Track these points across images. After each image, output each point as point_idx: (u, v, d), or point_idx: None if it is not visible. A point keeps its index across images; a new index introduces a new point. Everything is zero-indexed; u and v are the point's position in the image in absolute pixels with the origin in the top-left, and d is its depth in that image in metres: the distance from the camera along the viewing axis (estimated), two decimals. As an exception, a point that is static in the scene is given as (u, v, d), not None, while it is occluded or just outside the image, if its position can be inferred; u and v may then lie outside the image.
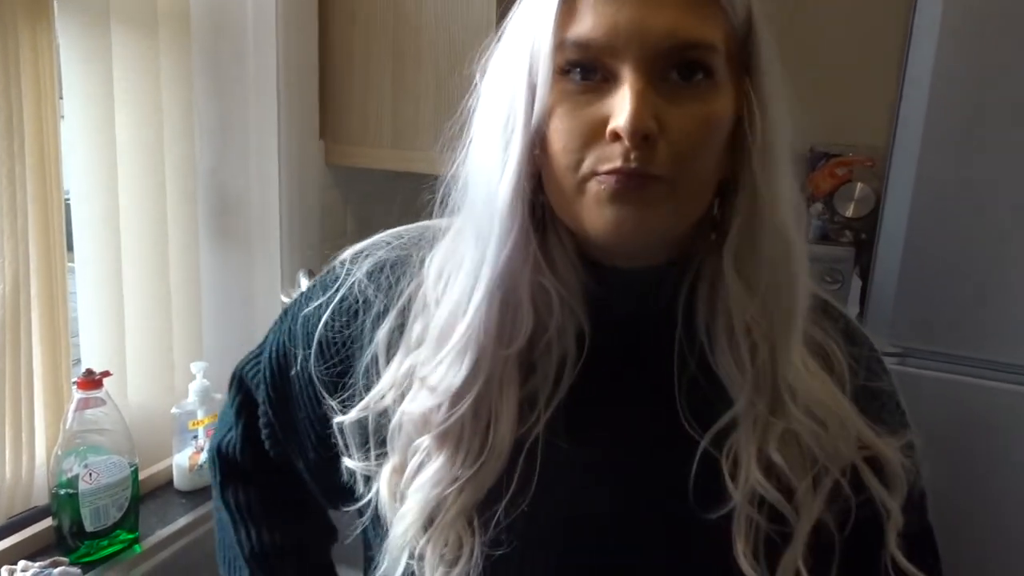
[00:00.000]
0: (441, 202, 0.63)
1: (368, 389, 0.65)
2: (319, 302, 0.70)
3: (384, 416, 0.64)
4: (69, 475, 1.11)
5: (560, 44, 0.53)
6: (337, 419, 0.67)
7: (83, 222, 1.31)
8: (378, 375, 0.65)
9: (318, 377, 0.69)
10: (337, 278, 0.70)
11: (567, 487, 0.61)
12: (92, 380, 1.13)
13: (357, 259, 0.70)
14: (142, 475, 1.27)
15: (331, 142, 1.62)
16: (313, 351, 0.69)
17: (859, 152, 2.26)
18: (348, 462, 0.67)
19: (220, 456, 0.83)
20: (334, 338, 0.68)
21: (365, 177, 1.64)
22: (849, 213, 2.22)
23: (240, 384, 0.80)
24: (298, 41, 1.51)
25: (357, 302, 0.68)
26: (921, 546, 0.66)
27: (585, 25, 0.53)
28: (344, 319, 0.68)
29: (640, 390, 0.63)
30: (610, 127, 0.52)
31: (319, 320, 0.69)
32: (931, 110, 1.84)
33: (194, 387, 1.34)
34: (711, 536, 0.59)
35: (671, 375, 0.61)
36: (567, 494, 0.61)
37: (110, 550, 1.15)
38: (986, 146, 1.82)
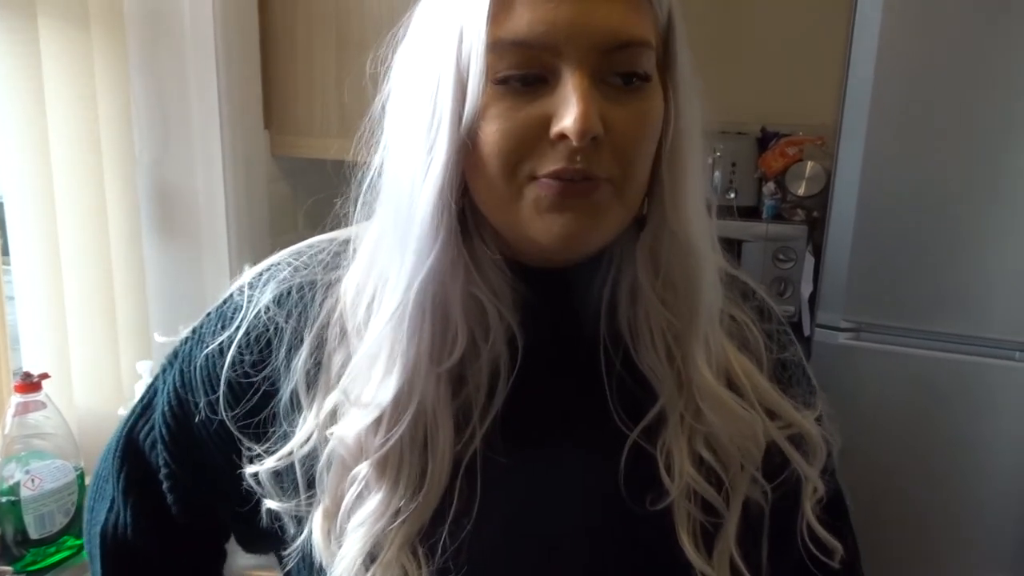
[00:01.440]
0: (356, 205, 0.59)
1: (291, 428, 0.60)
2: (220, 340, 0.63)
3: (312, 456, 0.59)
4: (10, 482, 1.08)
5: (493, 42, 0.50)
6: (253, 468, 0.61)
7: (18, 223, 1.27)
8: (299, 412, 0.60)
9: (232, 423, 0.62)
10: (238, 308, 0.63)
11: (510, 501, 0.59)
12: (30, 383, 1.09)
13: (257, 284, 0.64)
14: (89, 478, 1.23)
15: (277, 133, 1.59)
16: (221, 395, 0.62)
17: (809, 131, 2.29)
18: (272, 504, 0.61)
19: (106, 544, 0.70)
20: (246, 378, 0.62)
21: (314, 167, 1.61)
22: (801, 191, 2.25)
23: (126, 451, 0.70)
24: (238, 30, 1.48)
25: (267, 332, 0.62)
26: (834, 508, 0.68)
27: (521, 22, 0.50)
28: (255, 355, 0.62)
29: (572, 392, 0.61)
30: (556, 128, 0.50)
31: (223, 359, 0.62)
32: (876, 88, 1.87)
33: (141, 387, 1.31)
34: (654, 528, 0.59)
35: (600, 374, 0.60)
36: (511, 508, 0.59)
37: (57, 557, 1.12)
38: (931, 122, 1.85)
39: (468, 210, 0.57)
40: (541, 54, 0.50)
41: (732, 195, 2.28)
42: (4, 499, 1.07)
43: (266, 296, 0.63)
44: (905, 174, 1.90)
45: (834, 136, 2.02)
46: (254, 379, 0.62)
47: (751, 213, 2.27)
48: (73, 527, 1.13)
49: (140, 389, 1.30)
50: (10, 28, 1.20)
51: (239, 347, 0.62)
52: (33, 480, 1.07)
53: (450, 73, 0.51)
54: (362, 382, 0.58)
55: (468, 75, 0.51)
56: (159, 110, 1.47)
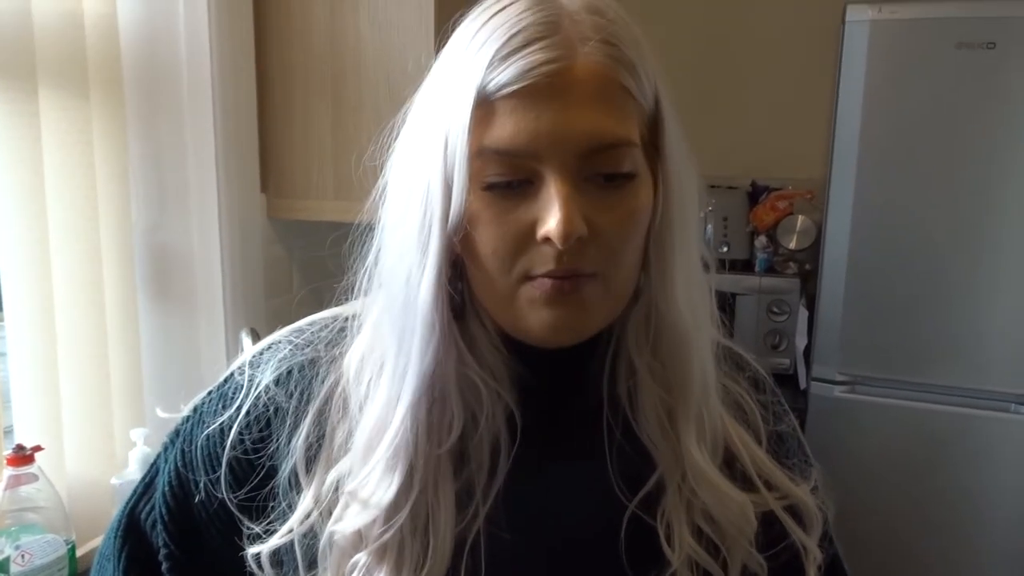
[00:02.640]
0: (357, 283, 0.61)
1: (291, 507, 0.60)
2: (222, 420, 0.64)
3: (312, 535, 0.60)
4: (0, 558, 1.05)
5: (479, 151, 0.52)
6: (254, 548, 0.61)
7: (14, 288, 1.26)
8: (299, 491, 0.60)
9: (232, 503, 0.62)
10: (239, 387, 0.64)
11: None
12: (23, 456, 1.08)
13: (259, 363, 0.65)
14: (81, 550, 1.21)
15: (273, 196, 1.60)
16: (223, 475, 0.63)
17: (799, 185, 2.32)
18: None
19: None
20: (247, 457, 0.62)
21: (309, 230, 1.62)
22: (792, 245, 2.27)
23: (128, 531, 0.69)
24: (235, 95, 1.50)
25: (268, 411, 0.63)
26: (832, 573, 0.69)
27: (505, 132, 0.52)
28: (256, 435, 0.62)
29: (573, 466, 0.62)
30: (541, 232, 0.52)
31: (225, 440, 0.63)
32: (863, 142, 1.90)
33: (135, 455, 1.29)
34: None
35: (601, 446, 0.61)
36: None
37: (46, 635, 1.09)
38: (918, 175, 1.88)
39: (466, 293, 0.58)
40: (525, 161, 0.52)
41: (725, 248, 2.30)
42: (-6, 576, 1.05)
43: (267, 376, 0.64)
44: (895, 227, 1.92)
45: (823, 190, 2.05)
46: (255, 459, 0.62)
47: (744, 266, 2.29)
48: (64, 602, 1.10)
49: (134, 457, 1.29)
50: (10, 98, 1.21)
51: (240, 428, 0.63)
52: (23, 556, 1.05)
53: (438, 178, 0.53)
54: (364, 477, 0.58)
55: (454, 182, 0.53)
56: (156, 174, 1.48)
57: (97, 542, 1.32)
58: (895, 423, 1.97)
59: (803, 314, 2.16)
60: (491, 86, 0.51)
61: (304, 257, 1.70)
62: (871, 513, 1.99)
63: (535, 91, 0.51)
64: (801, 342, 2.15)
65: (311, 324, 0.67)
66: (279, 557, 0.61)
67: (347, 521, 0.58)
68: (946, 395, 1.93)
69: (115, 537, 0.70)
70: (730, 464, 0.63)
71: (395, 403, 0.56)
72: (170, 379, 1.49)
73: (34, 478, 1.08)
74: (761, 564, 0.62)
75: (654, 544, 0.59)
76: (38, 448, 1.10)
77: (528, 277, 0.54)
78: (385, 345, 0.58)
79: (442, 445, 0.57)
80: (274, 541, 0.60)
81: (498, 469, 0.59)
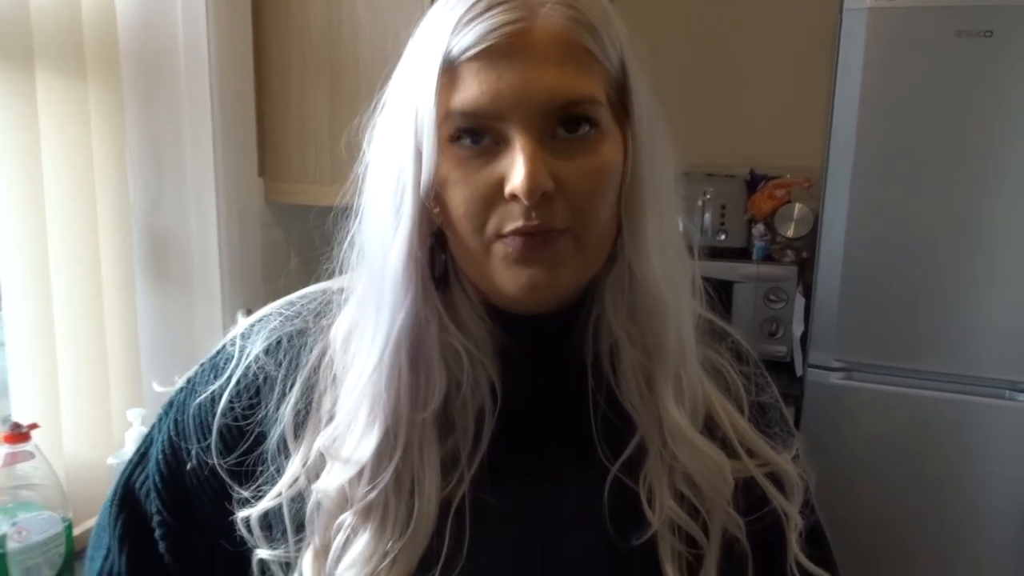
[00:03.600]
0: (345, 257, 0.62)
1: (279, 472, 0.62)
2: (212, 389, 0.65)
3: (300, 499, 0.61)
4: (5, 532, 1.06)
5: (446, 114, 0.54)
6: (242, 513, 0.62)
7: (11, 269, 1.27)
8: (287, 457, 0.62)
9: (223, 468, 0.64)
10: (230, 358, 0.66)
11: (499, 541, 0.61)
12: (19, 433, 1.08)
13: (249, 335, 0.66)
14: (77, 530, 1.22)
15: (271, 180, 1.60)
16: (213, 443, 0.64)
17: (796, 173, 2.32)
18: (262, 552, 0.63)
19: None
20: (237, 424, 0.64)
21: (307, 214, 1.62)
22: (789, 233, 2.27)
23: (124, 500, 0.70)
24: (232, 79, 1.50)
25: (257, 380, 0.64)
26: (815, 540, 0.69)
27: (470, 94, 0.53)
28: (246, 402, 0.64)
29: (557, 431, 0.63)
30: (507, 189, 0.53)
31: (215, 408, 0.64)
32: (860, 131, 1.90)
33: (132, 435, 1.30)
34: (640, 562, 0.61)
35: (585, 413, 0.62)
36: (500, 548, 0.61)
37: (43, 611, 1.10)
38: (915, 163, 1.88)
39: (450, 262, 0.59)
40: (490, 122, 0.54)
41: (722, 237, 2.30)
42: (-9, 551, 1.06)
43: (257, 346, 0.65)
44: (891, 214, 1.92)
45: (821, 178, 2.05)
46: (244, 426, 0.64)
47: (741, 254, 2.29)
48: (61, 579, 1.12)
49: (131, 437, 1.30)
50: (7, 79, 1.22)
51: (230, 396, 0.64)
52: (20, 532, 1.06)
53: (409, 145, 0.55)
54: (343, 435, 0.59)
55: (424, 145, 0.55)
56: (154, 158, 1.48)
57: (94, 521, 1.33)
58: (891, 410, 1.98)
59: (800, 301, 2.16)
60: (455, 50, 0.53)
61: (301, 241, 1.70)
62: (866, 497, 2.00)
63: (496, 52, 0.53)
64: (798, 329, 2.16)
65: (301, 297, 0.68)
66: (268, 521, 0.62)
67: (330, 479, 0.59)
68: (941, 382, 1.93)
69: (111, 506, 0.72)
70: (712, 431, 0.64)
71: (374, 366, 0.58)
72: (167, 361, 1.50)
73: (30, 456, 1.09)
74: (740, 526, 0.63)
75: (636, 507, 0.61)
76: (34, 426, 1.11)
77: (500, 236, 0.55)
78: (365, 312, 0.60)
79: (425, 409, 0.58)
80: (263, 504, 0.61)
81: (483, 436, 0.60)
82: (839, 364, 2.01)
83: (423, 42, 0.56)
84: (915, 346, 1.94)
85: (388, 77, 0.61)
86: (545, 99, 0.53)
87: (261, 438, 0.63)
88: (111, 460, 1.30)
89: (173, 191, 1.49)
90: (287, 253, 1.69)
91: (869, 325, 1.97)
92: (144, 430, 1.30)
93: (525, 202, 0.53)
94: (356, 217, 0.61)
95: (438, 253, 0.59)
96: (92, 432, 1.38)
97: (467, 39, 0.53)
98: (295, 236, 1.69)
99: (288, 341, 0.65)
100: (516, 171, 0.53)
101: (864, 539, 2.00)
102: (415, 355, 0.58)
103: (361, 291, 0.61)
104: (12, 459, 1.07)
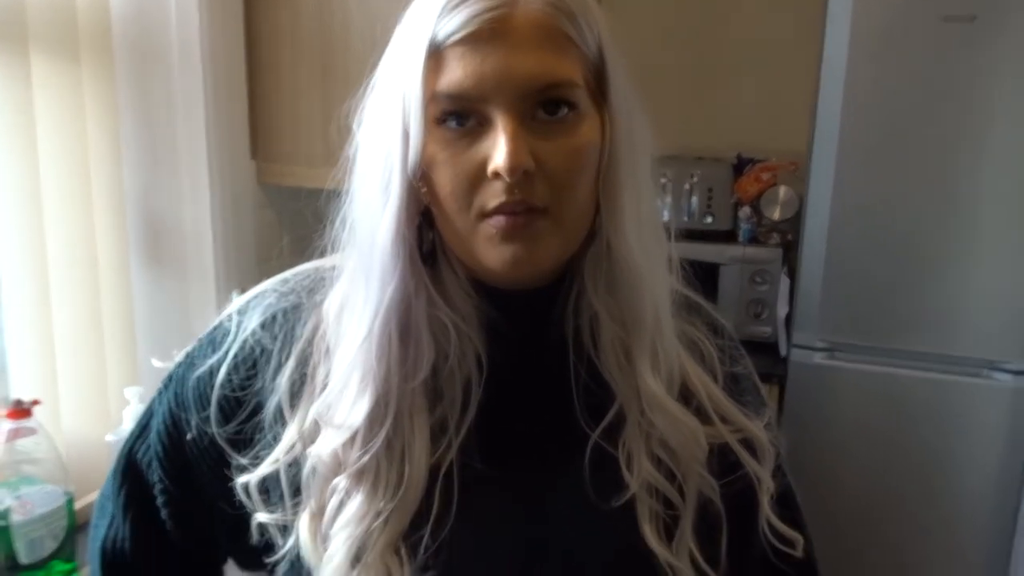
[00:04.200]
0: (337, 235, 0.65)
1: (276, 440, 0.65)
2: (211, 362, 0.68)
3: (295, 465, 0.64)
4: (1, 507, 1.09)
5: (432, 96, 0.57)
6: (241, 479, 0.65)
7: (8, 251, 1.29)
8: (284, 425, 0.65)
9: (222, 437, 0.67)
10: (227, 333, 0.69)
11: (486, 503, 0.64)
12: (21, 409, 1.11)
13: (245, 311, 0.69)
14: (78, 504, 1.25)
15: (263, 161, 1.62)
16: (212, 413, 0.67)
17: (782, 157, 2.35)
18: (261, 516, 0.66)
19: (106, 559, 0.74)
20: (235, 395, 0.67)
21: (300, 195, 1.65)
22: (775, 216, 2.30)
23: (127, 470, 0.74)
24: (225, 62, 1.52)
25: (254, 353, 0.67)
26: (786, 502, 0.73)
27: (454, 76, 0.56)
28: (243, 374, 0.67)
29: (541, 401, 0.66)
30: (490, 167, 0.56)
31: (214, 380, 0.67)
32: (845, 115, 1.93)
33: (130, 413, 1.33)
34: (620, 522, 0.64)
35: (568, 383, 0.65)
36: (487, 510, 0.64)
37: (46, 582, 1.13)
38: (898, 148, 1.92)
39: (437, 240, 0.62)
40: (474, 104, 0.56)
41: (709, 219, 2.33)
42: (-6, 524, 1.09)
43: (253, 321, 0.68)
44: (874, 198, 1.96)
45: (806, 162, 2.08)
46: (242, 396, 0.67)
47: (728, 237, 2.32)
48: (62, 552, 1.15)
49: (128, 415, 1.33)
50: (3, 63, 1.23)
51: (228, 368, 0.67)
52: (24, 505, 1.09)
53: (397, 126, 0.58)
54: (336, 402, 0.63)
55: (411, 127, 0.57)
56: (147, 140, 1.50)
57: (93, 497, 1.35)
58: (873, 388, 2.02)
59: (785, 283, 2.20)
60: (440, 35, 0.56)
61: (294, 222, 1.73)
62: (847, 472, 2.05)
63: (479, 37, 0.55)
64: (782, 310, 2.19)
65: (295, 274, 0.71)
66: (265, 486, 0.66)
67: (324, 444, 0.62)
68: (921, 361, 1.97)
69: (114, 476, 0.75)
70: (687, 399, 0.67)
71: (364, 337, 0.61)
72: (163, 340, 1.52)
73: (32, 431, 1.12)
74: (714, 489, 0.66)
75: (616, 471, 0.64)
76: (36, 402, 1.13)
77: (484, 215, 0.58)
78: (356, 286, 0.63)
79: (414, 379, 0.61)
80: (261, 470, 0.65)
81: (470, 404, 0.63)
82: (822, 344, 2.05)
83: (410, 27, 0.59)
84: (896, 326, 1.99)
85: (378, 60, 0.64)
86: (526, 82, 0.56)
87: (258, 408, 0.66)
88: (109, 437, 1.33)
89: (166, 173, 1.51)
90: (280, 234, 1.71)
91: (852, 306, 2.01)
92: (142, 407, 1.33)
93: (507, 179, 0.55)
94: (347, 196, 0.63)
95: (426, 231, 0.61)
96: (90, 410, 1.41)
97: (451, 24, 0.56)
98: (287, 217, 1.72)
99: (283, 316, 0.67)
100: (499, 150, 0.55)
101: (845, 513, 2.05)
102: (404, 327, 0.61)
103: (352, 267, 0.64)
104: (15, 434, 1.10)
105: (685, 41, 2.48)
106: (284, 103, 1.59)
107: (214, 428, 0.67)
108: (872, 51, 1.90)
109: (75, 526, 1.18)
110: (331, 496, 0.63)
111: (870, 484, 2.05)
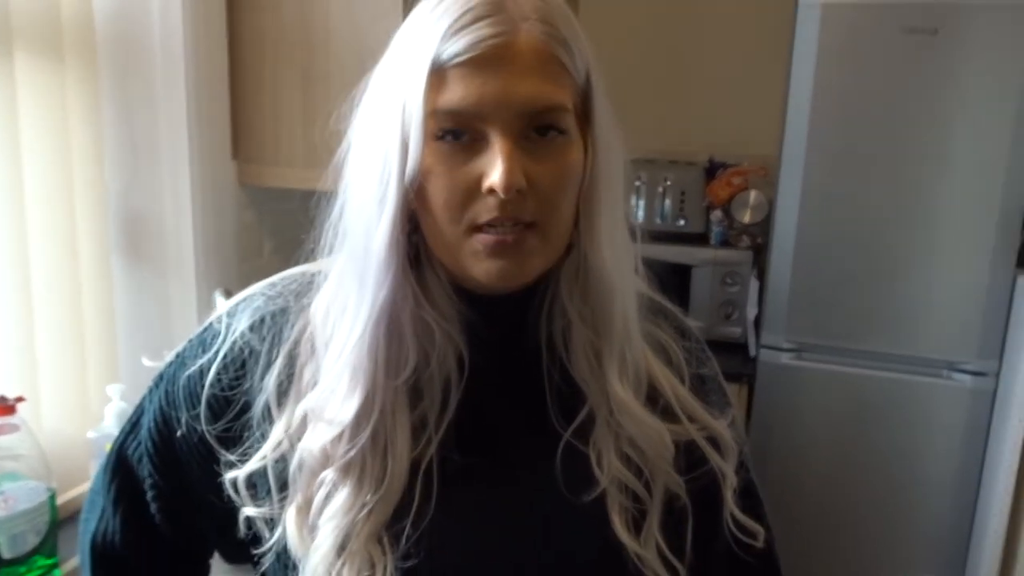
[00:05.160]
0: (323, 241, 0.68)
1: (264, 438, 0.68)
2: (201, 362, 0.71)
3: (282, 461, 0.67)
4: (-15, 503, 1.10)
5: (432, 112, 0.60)
6: (230, 475, 0.68)
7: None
8: (271, 423, 0.68)
9: (211, 435, 0.70)
10: (217, 334, 0.71)
11: (464, 496, 0.67)
12: (5, 406, 1.12)
13: (235, 313, 0.72)
14: (60, 500, 1.26)
15: (244, 162, 1.64)
16: (202, 411, 0.70)
17: (753, 162, 2.41)
18: (249, 510, 0.68)
19: (96, 551, 0.77)
20: (224, 394, 0.70)
21: (281, 196, 1.67)
22: (746, 219, 2.36)
23: (117, 466, 0.77)
24: (207, 63, 1.53)
25: (243, 354, 0.70)
26: (749, 496, 0.76)
27: (456, 95, 0.59)
28: (232, 374, 0.70)
29: (517, 400, 0.70)
30: (486, 184, 0.59)
31: (204, 380, 0.70)
32: (812, 122, 1.99)
33: (112, 410, 1.34)
34: (591, 517, 0.68)
35: (542, 384, 0.69)
36: (465, 502, 0.67)
37: (29, 576, 1.14)
38: (863, 155, 1.98)
39: (421, 244, 0.66)
40: (472, 121, 0.60)
41: (682, 222, 2.38)
42: (-23, 520, 1.09)
43: (242, 323, 0.71)
44: (841, 202, 2.02)
45: (776, 167, 2.14)
46: (231, 395, 0.70)
47: (700, 239, 2.37)
48: (44, 547, 1.16)
49: (110, 412, 1.34)
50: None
51: (218, 368, 0.70)
52: (7, 501, 1.10)
53: (396, 137, 0.61)
54: (327, 399, 0.66)
55: (410, 140, 0.60)
56: (129, 139, 1.51)
57: (74, 493, 1.37)
58: (838, 388, 2.08)
59: (754, 285, 2.25)
60: (444, 56, 0.59)
61: (274, 222, 1.74)
62: (813, 469, 2.12)
63: (482, 61, 0.59)
64: (752, 311, 2.25)
65: (283, 279, 0.74)
66: (253, 481, 0.69)
67: (314, 439, 0.66)
68: (885, 361, 2.04)
69: (105, 471, 0.78)
70: (654, 399, 0.71)
71: (355, 336, 0.64)
72: (144, 338, 1.53)
73: (15, 428, 1.13)
74: (680, 485, 0.70)
75: (587, 468, 0.68)
76: (20, 399, 1.14)
77: (474, 228, 0.61)
78: (347, 289, 0.66)
79: (399, 377, 0.65)
80: (249, 466, 0.68)
81: (449, 403, 0.66)
82: (790, 345, 2.11)
83: (411, 44, 0.62)
84: (861, 328, 2.05)
85: (362, 65, 0.66)
86: (523, 105, 0.59)
87: (247, 407, 0.69)
88: (90, 434, 1.34)
89: (149, 172, 1.52)
90: (260, 234, 1.73)
91: (818, 308, 2.08)
92: (123, 405, 1.34)
93: (502, 196, 0.59)
94: (339, 204, 0.66)
95: (412, 236, 0.64)
96: (71, 407, 1.42)
97: (456, 47, 0.59)
98: (268, 217, 1.73)
99: (271, 318, 0.70)
100: (495, 169, 0.59)
101: (809, 508, 2.11)
102: (392, 328, 0.64)
103: (341, 271, 0.67)
104: (3, 430, 1.11)
105: (660, 47, 2.53)
106: (265, 105, 1.60)
107: (203, 426, 0.70)
108: (838, 60, 1.97)
109: (57, 522, 1.19)
110: (318, 489, 0.66)
111: (835, 479, 2.11)
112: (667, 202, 2.37)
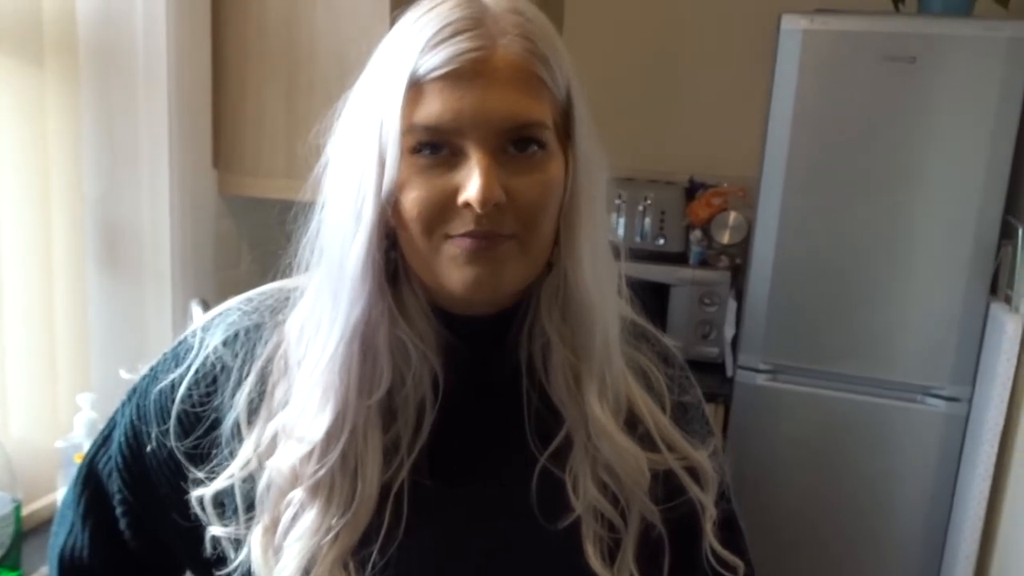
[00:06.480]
0: (300, 257, 0.67)
1: (232, 455, 0.66)
2: (173, 376, 0.70)
3: (250, 480, 0.66)
4: (-53, 513, 1.08)
5: (409, 127, 0.59)
6: (196, 492, 0.67)
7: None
8: (240, 441, 0.66)
9: (180, 451, 0.68)
10: (190, 348, 0.70)
11: (435, 522, 0.66)
12: (-28, 414, 1.10)
13: (209, 327, 0.71)
14: (26, 511, 1.23)
15: (225, 172, 1.63)
16: (172, 426, 0.69)
17: (733, 183, 2.43)
18: (215, 530, 0.67)
19: (64, 565, 0.76)
20: (194, 410, 0.68)
21: (261, 206, 1.65)
22: (725, 240, 2.37)
23: (87, 479, 0.75)
24: (189, 72, 1.52)
25: (215, 369, 0.68)
26: (729, 528, 0.75)
27: (433, 110, 0.58)
28: (203, 390, 0.68)
29: (493, 424, 0.69)
30: (462, 198, 0.59)
31: (175, 394, 0.69)
32: (792, 145, 2.01)
33: (81, 419, 1.32)
34: (564, 544, 0.66)
35: (520, 407, 0.68)
36: (436, 529, 0.66)
37: (-10, 589, 1.12)
38: (841, 179, 2.00)
39: (400, 263, 0.65)
40: (450, 136, 0.59)
41: (661, 241, 2.39)
42: (-60, 530, 1.07)
43: (216, 338, 0.70)
44: (818, 226, 2.04)
45: (755, 189, 2.16)
46: (201, 411, 0.68)
47: (679, 259, 2.38)
48: (7, 559, 1.13)
49: (80, 421, 1.32)
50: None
51: (189, 384, 0.69)
52: (-30, 511, 1.08)
53: (373, 152, 0.60)
54: (298, 416, 0.65)
55: (387, 156, 0.60)
56: (109, 146, 1.49)
57: (41, 503, 1.34)
58: (813, 410, 2.09)
59: (732, 305, 2.26)
60: (421, 70, 0.58)
61: (253, 233, 1.73)
62: (786, 490, 2.12)
63: (459, 75, 0.58)
64: (729, 332, 2.26)
65: (259, 294, 0.73)
66: (220, 500, 0.67)
67: (283, 457, 0.64)
68: (860, 385, 2.05)
69: (75, 485, 0.76)
70: (634, 425, 0.70)
71: (328, 353, 0.63)
72: (118, 347, 1.51)
73: (-18, 437, 1.11)
74: (655, 514, 0.69)
75: (562, 494, 0.67)
76: (-13, 407, 1.12)
77: (449, 236, 0.60)
78: (322, 306, 0.64)
79: (371, 397, 0.63)
80: (216, 484, 0.66)
81: (423, 425, 0.65)
82: (766, 366, 2.12)
83: (390, 58, 0.61)
84: (837, 351, 2.07)
85: (345, 78, 0.65)
86: (501, 120, 0.59)
87: (216, 423, 0.68)
88: (59, 443, 1.32)
89: (127, 180, 1.51)
90: (239, 244, 1.71)
91: (795, 330, 2.09)
92: (94, 415, 1.32)
93: (478, 210, 0.58)
94: (316, 221, 0.65)
95: (390, 252, 0.64)
96: (40, 416, 1.39)
97: (433, 61, 0.58)
98: (247, 227, 1.72)
99: (245, 334, 0.69)
100: (472, 183, 0.58)
101: (783, 529, 2.11)
102: (366, 346, 0.63)
103: (317, 287, 0.66)
104: (-36, 440, 1.09)
105: (642, 68, 2.55)
106: (248, 116, 1.60)
107: (172, 441, 0.69)
108: (819, 85, 1.99)
109: (21, 533, 1.17)
110: (285, 509, 0.64)
111: (807, 500, 2.12)
112: (647, 221, 2.38)
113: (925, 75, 1.91)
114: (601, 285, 0.67)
